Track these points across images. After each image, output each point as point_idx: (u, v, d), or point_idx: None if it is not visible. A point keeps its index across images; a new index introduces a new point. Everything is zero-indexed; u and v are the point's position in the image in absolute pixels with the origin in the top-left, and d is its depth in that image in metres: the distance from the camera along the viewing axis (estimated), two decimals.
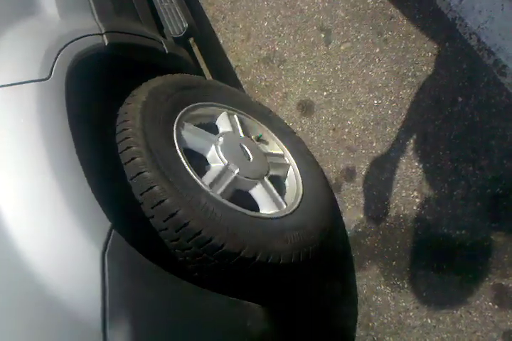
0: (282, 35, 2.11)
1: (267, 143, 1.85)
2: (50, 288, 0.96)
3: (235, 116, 1.77)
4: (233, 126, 1.72)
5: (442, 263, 1.55)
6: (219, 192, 1.42)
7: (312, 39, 1.99)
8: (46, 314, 0.96)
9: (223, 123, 1.71)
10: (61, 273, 0.98)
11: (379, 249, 1.73)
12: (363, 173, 1.79)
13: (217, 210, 1.32)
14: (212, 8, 2.47)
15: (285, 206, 1.58)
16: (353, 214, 1.81)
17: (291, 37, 2.07)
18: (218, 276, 1.32)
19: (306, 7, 2.01)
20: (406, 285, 1.64)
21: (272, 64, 2.15)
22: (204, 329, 1.16)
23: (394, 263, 1.69)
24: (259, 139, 1.85)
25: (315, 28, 1.98)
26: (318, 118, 1.95)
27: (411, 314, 1.63)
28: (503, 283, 1.42)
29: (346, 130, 1.85)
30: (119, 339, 0.95)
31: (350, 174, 1.83)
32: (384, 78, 1.74)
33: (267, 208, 1.55)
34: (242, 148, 1.65)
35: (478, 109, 1.50)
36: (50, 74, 1.26)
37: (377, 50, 1.76)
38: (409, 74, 1.67)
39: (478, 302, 1.46)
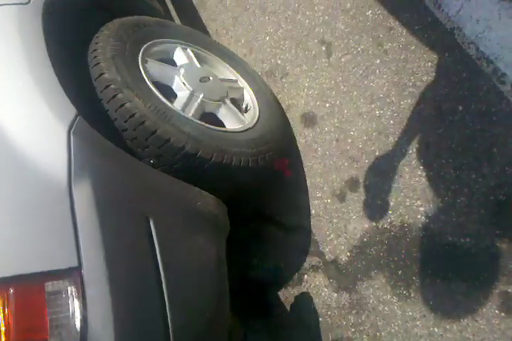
0: (284, 48, 2.14)
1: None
2: (30, 157, 1.23)
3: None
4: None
5: (448, 272, 1.55)
6: (150, 71, 1.76)
7: (313, 52, 2.02)
8: (27, 176, 1.22)
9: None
10: (37, 145, 1.25)
11: (385, 258, 1.73)
12: (367, 183, 1.80)
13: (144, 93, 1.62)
14: (214, 24, 2.52)
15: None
16: (358, 224, 1.82)
17: (293, 50, 2.10)
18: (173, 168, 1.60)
19: (307, 21, 2.04)
20: (412, 294, 1.64)
21: (275, 77, 2.18)
22: (157, 199, 1.40)
23: (400, 272, 1.69)
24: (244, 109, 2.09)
25: (316, 41, 2.01)
26: (321, 129, 1.97)
27: (418, 323, 1.62)
28: (509, 290, 1.41)
29: (349, 140, 1.86)
30: (81, 196, 1.22)
31: (354, 184, 1.84)
32: (385, 89, 1.76)
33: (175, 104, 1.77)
34: (204, 76, 1.93)
35: (478, 117, 1.51)
36: (29, 1, 1.57)
37: (378, 61, 1.78)
38: (410, 84, 1.69)
39: (484, 310, 1.46)
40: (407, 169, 1.68)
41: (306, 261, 2.01)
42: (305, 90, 2.04)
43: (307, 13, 2.05)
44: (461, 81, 1.56)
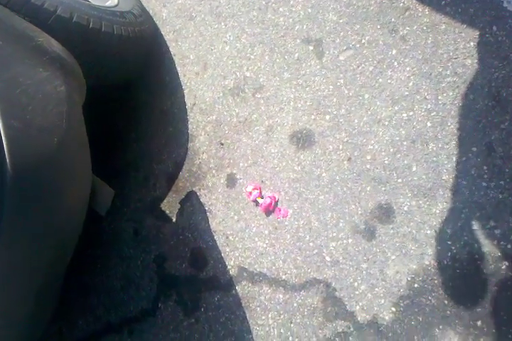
0: (253, 57, 1.69)
1: None
2: None
3: None
4: None
5: None
6: None
7: (297, 55, 1.59)
8: None
9: None
10: None
11: (451, 306, 1.26)
12: (406, 209, 1.35)
13: None
14: None
15: None
16: (400, 265, 1.35)
17: (266, 57, 1.66)
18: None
19: (281, 19, 1.63)
20: None
21: (244, 94, 1.70)
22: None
23: (479, 323, 1.22)
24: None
25: (298, 40, 1.58)
26: (322, 149, 1.51)
27: None
28: None
29: (368, 157, 1.42)
30: None
31: (385, 213, 1.38)
32: (411, 84, 1.36)
33: None
34: None
35: None
36: None
37: (394, 51, 1.39)
38: (448, 72, 1.30)
39: None
40: (464, 182, 1.26)
41: (328, 328, 1.48)
42: (291, 103, 1.58)
43: (280, 9, 1.63)
44: None
